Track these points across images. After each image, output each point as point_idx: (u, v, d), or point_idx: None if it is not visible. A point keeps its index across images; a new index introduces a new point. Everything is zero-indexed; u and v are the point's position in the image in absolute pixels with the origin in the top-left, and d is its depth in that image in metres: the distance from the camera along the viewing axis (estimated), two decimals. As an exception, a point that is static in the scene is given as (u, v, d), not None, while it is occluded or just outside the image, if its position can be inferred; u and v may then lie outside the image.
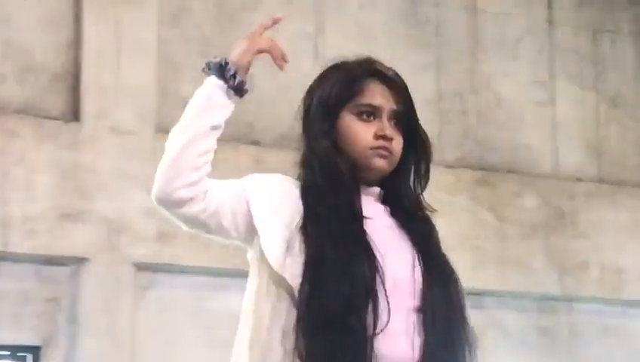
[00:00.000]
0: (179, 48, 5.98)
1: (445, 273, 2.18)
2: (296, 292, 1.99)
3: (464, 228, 6.19)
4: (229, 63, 2.10)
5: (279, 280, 2.02)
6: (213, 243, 6.03)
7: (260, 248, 2.05)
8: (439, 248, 2.22)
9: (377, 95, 2.17)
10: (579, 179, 6.83)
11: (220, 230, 2.13)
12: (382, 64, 2.23)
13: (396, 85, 2.18)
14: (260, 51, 2.14)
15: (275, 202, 2.10)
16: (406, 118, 2.19)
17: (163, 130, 5.72)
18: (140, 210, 5.62)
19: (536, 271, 6.44)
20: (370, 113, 2.16)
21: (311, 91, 2.24)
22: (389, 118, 2.16)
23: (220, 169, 6.66)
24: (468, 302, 2.22)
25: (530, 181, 6.58)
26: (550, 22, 6.97)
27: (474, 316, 2.38)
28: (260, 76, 5.97)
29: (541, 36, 6.93)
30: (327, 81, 2.21)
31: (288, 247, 2.03)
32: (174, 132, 2.09)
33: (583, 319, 6.55)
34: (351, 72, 2.18)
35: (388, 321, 1.99)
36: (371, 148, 2.13)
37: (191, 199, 2.05)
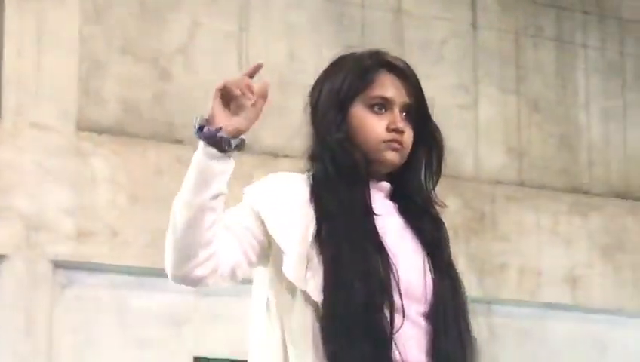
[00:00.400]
0: (101, 45, 5.96)
1: (455, 282, 2.17)
2: (319, 304, 1.98)
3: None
4: (208, 128, 1.91)
5: (305, 297, 2.00)
6: (133, 241, 6.05)
7: (278, 266, 2.01)
8: (449, 254, 2.20)
9: (389, 87, 2.13)
10: (500, 182, 6.91)
11: (238, 279, 2.07)
12: (392, 55, 2.19)
13: (407, 77, 2.15)
14: (221, 94, 1.93)
15: (287, 218, 2.04)
16: (417, 111, 2.16)
17: (84, 127, 5.74)
18: (59, 208, 5.63)
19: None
20: (382, 105, 2.12)
21: (319, 83, 2.19)
22: (401, 111, 2.13)
23: (141, 166, 6.60)
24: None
25: (453, 184, 6.58)
26: (474, 25, 7.05)
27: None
28: (183, 75, 6.03)
29: (465, 39, 7.01)
30: (336, 72, 2.16)
31: (308, 262, 2.00)
32: (177, 205, 1.96)
33: (502, 321, 6.62)
34: (362, 62, 2.14)
35: (401, 324, 1.99)
36: (384, 142, 2.09)
37: (207, 275, 1.99)
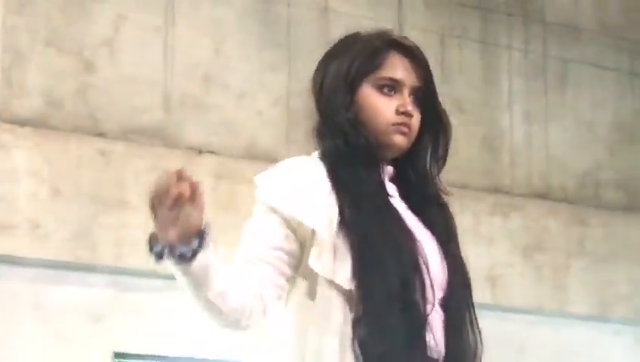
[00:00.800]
0: (24, 37, 5.87)
1: (465, 273, 2.18)
2: (353, 291, 1.95)
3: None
4: (158, 247, 1.85)
5: (337, 288, 1.96)
6: (53, 234, 6.01)
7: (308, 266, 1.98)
8: (458, 244, 2.21)
9: (399, 69, 2.13)
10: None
11: (284, 298, 2.05)
12: (402, 36, 2.21)
13: (418, 59, 2.15)
14: (154, 206, 1.82)
15: (308, 208, 1.99)
16: (425, 95, 2.15)
17: (6, 119, 5.68)
18: (-25, 201, 5.53)
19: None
20: (392, 87, 2.12)
21: (324, 63, 2.18)
22: (410, 94, 2.12)
23: (63, 159, 6.57)
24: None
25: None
26: (400, 24, 7.02)
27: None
28: (107, 68, 6.03)
29: (391, 38, 6.86)
30: (344, 52, 2.15)
31: (335, 253, 1.97)
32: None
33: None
34: (371, 43, 2.13)
35: (432, 307, 1.99)
36: (393, 125, 2.09)
37: (260, 320, 2.01)
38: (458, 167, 6.82)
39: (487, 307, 6.68)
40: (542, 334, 6.98)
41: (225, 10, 6.45)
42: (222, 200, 5.77)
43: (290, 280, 2.01)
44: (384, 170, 2.13)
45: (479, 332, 2.15)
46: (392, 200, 2.10)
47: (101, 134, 5.82)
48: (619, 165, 7.51)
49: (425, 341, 1.95)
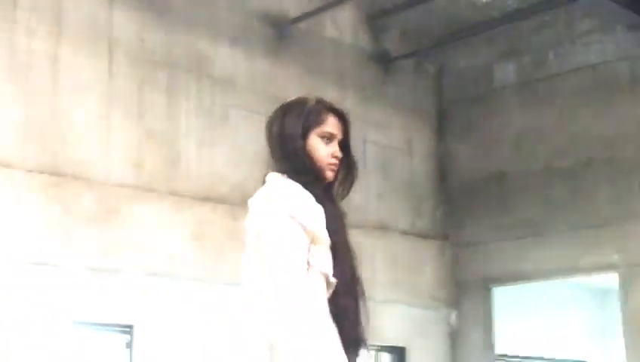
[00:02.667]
0: None
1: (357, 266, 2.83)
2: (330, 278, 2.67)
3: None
4: None
5: (324, 275, 2.68)
6: None
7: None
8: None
9: (334, 126, 2.73)
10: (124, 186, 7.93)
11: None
12: (334, 104, 2.81)
13: (344, 120, 2.77)
14: None
15: (317, 220, 2.69)
16: (344, 145, 2.79)
17: None
18: None
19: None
20: (329, 138, 2.73)
21: (279, 117, 2.78)
22: (338, 144, 2.74)
23: None
24: None
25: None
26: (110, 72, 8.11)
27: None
28: None
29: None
30: (296, 111, 2.74)
31: (324, 251, 2.73)
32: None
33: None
34: (318, 106, 2.76)
35: (362, 292, 2.82)
36: (328, 164, 2.74)
37: None
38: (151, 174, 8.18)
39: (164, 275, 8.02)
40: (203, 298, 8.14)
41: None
42: None
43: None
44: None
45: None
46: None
47: None
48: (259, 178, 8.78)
49: (360, 312, 2.71)
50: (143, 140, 8.43)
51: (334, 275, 2.66)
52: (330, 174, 2.74)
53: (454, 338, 10.86)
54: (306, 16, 9.71)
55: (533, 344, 12.76)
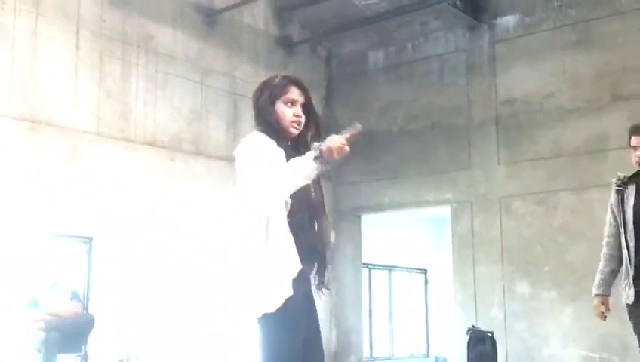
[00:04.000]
0: None
1: (323, 203, 2.80)
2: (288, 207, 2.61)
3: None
4: (323, 157, 2.50)
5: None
6: None
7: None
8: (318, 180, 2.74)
9: (296, 94, 2.69)
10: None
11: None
12: (295, 76, 2.75)
13: (304, 90, 2.72)
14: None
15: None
16: (307, 106, 2.72)
17: None
18: None
19: None
20: (292, 103, 2.68)
21: (260, 89, 2.72)
22: (300, 106, 2.70)
23: None
24: None
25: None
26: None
27: None
28: None
29: None
30: (269, 84, 2.70)
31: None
32: (284, 174, 2.51)
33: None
34: (283, 80, 2.71)
35: (318, 224, 2.75)
36: (291, 122, 2.68)
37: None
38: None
39: (118, 201, 7.98)
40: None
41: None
42: None
43: None
44: (285, 143, 2.69)
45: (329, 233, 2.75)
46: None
47: None
48: (193, 132, 8.90)
49: (315, 226, 2.67)
50: (102, 98, 8.39)
51: (290, 197, 2.58)
52: (294, 131, 2.69)
53: (333, 252, 11.01)
54: (229, 7, 9.69)
55: (388, 256, 13.05)
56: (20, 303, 6.43)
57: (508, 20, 9.99)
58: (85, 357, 6.39)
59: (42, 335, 6.04)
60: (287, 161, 2.56)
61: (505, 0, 9.97)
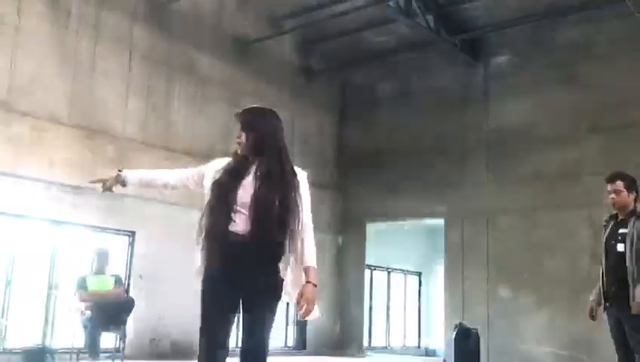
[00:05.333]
0: None
1: (265, 199, 2.57)
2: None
3: None
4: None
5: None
6: None
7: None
8: (268, 187, 2.56)
9: (238, 123, 2.66)
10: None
11: (189, 188, 2.72)
12: (245, 110, 2.69)
13: (238, 119, 2.68)
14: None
15: (210, 173, 2.63)
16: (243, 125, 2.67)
17: None
18: None
19: None
20: (239, 129, 2.66)
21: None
22: (240, 130, 2.66)
23: None
24: None
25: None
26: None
27: None
28: None
29: None
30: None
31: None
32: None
33: None
34: (235, 116, 2.70)
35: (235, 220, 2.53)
36: (237, 143, 2.65)
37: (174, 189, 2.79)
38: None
39: (160, 201, 7.89)
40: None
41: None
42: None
43: (193, 185, 2.73)
44: (251, 162, 2.61)
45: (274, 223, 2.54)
46: (248, 172, 2.58)
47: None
48: (225, 144, 8.60)
49: (228, 224, 2.48)
50: (149, 112, 8.48)
51: (210, 195, 2.58)
52: (237, 148, 2.66)
53: (340, 254, 10.98)
54: (260, 39, 9.76)
55: (388, 259, 13.04)
56: (71, 285, 6.49)
57: (500, 60, 10.04)
58: (124, 335, 6.41)
59: (88, 313, 6.07)
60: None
61: (499, 42, 10.01)
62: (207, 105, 9.02)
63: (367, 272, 11.68)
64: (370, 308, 12.14)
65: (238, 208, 2.47)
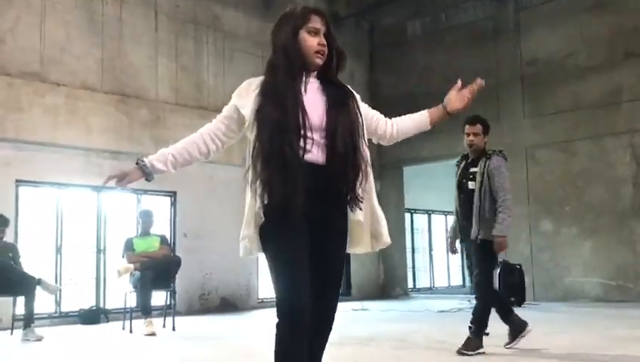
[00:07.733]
0: None
1: (348, 116, 2.16)
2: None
3: None
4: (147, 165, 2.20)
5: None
6: None
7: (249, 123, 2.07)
8: (347, 104, 2.18)
9: (318, 22, 2.15)
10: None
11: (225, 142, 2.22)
12: (315, 7, 2.22)
13: (324, 18, 2.18)
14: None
15: (247, 101, 2.13)
16: (329, 35, 2.17)
17: None
18: None
19: None
20: (315, 32, 2.14)
21: (279, 24, 2.16)
22: (323, 35, 2.16)
23: None
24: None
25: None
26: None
27: None
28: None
29: None
30: (289, 18, 2.15)
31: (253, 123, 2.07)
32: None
33: None
34: (304, 10, 2.17)
35: (309, 143, 2.02)
36: (315, 52, 2.14)
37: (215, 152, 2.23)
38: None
39: None
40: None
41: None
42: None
43: (233, 131, 2.22)
44: (312, 76, 2.17)
45: (356, 150, 2.11)
46: (309, 88, 2.12)
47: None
48: None
49: (297, 152, 1.98)
50: (179, 73, 8.45)
51: (259, 140, 2.03)
52: (318, 61, 2.14)
53: (379, 200, 10.95)
54: (284, -10, 9.62)
55: (428, 201, 13.01)
56: (119, 248, 6.59)
57: (530, -11, 9.77)
58: (174, 292, 6.54)
59: (137, 274, 6.18)
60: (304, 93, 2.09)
61: (527, -29, 9.71)
62: (235, 60, 8.95)
63: (407, 216, 11.67)
64: (413, 251, 12.25)
65: (308, 133, 2.02)
